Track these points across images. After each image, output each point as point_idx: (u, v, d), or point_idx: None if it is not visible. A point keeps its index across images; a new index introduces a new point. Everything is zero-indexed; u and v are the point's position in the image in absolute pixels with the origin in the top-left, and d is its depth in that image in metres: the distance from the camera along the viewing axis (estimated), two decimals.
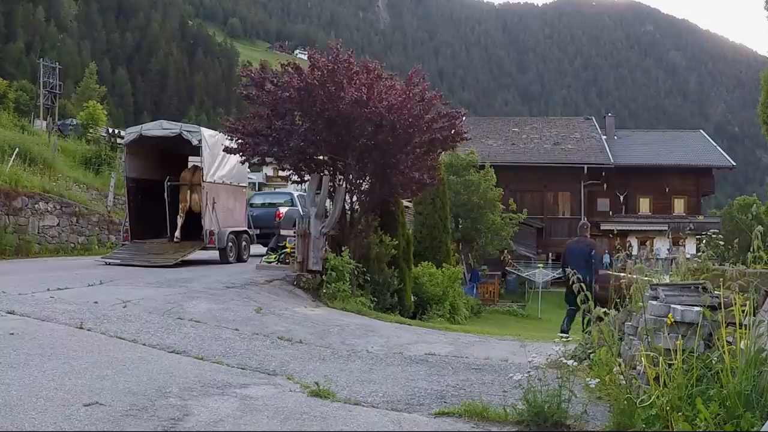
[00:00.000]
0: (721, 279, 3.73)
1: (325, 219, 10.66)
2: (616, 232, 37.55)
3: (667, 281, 4.90)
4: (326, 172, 11.33)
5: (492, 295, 26.45)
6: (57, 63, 47.69)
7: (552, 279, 26.80)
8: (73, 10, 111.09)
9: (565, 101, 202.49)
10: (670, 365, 3.25)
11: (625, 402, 3.48)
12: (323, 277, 10.13)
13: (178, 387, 4.11)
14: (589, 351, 5.17)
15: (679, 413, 3.04)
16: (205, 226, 13.00)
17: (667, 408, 3.08)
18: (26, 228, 14.17)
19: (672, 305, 3.67)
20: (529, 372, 3.80)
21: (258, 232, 15.58)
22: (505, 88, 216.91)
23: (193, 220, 13.60)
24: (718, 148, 41.06)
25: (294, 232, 11.01)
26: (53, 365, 4.37)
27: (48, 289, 7.69)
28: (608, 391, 4.04)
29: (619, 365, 4.02)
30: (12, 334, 5.13)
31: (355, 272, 10.66)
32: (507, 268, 28.41)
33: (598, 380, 3.96)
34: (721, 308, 3.40)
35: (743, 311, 3.32)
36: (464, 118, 12.57)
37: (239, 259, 14.00)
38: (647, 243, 35.52)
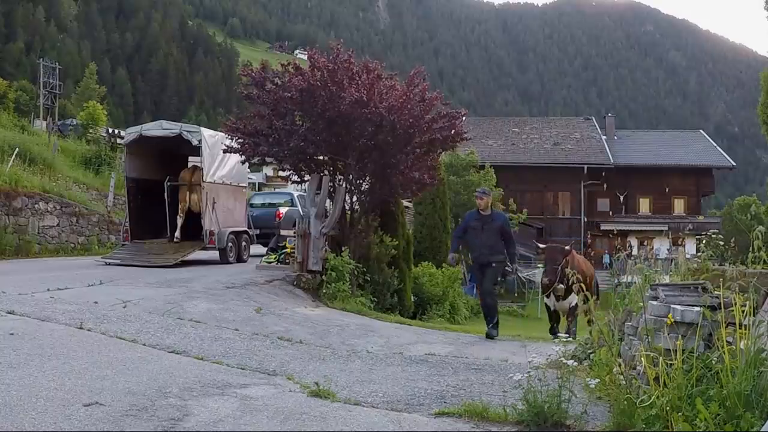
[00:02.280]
0: (721, 279, 3.73)
1: (325, 219, 10.66)
2: (616, 232, 37.59)
3: (668, 281, 4.90)
4: (326, 172, 11.32)
5: None
6: (57, 63, 47.71)
7: None
8: (73, 10, 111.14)
9: (565, 101, 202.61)
10: (670, 365, 3.25)
11: (625, 402, 3.48)
12: (323, 277, 10.12)
13: (178, 387, 4.11)
14: (589, 351, 5.17)
15: (679, 413, 3.04)
16: (205, 226, 13.00)
17: (667, 408, 3.08)
18: (26, 228, 14.17)
19: (672, 305, 3.67)
20: (529, 372, 3.80)
21: (258, 232, 15.57)
22: (505, 88, 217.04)
23: (193, 220, 13.59)
24: (718, 148, 41.10)
25: (294, 232, 11.00)
26: (53, 365, 4.37)
27: (48, 289, 7.68)
28: (608, 391, 4.04)
29: (619, 365, 4.02)
30: (12, 334, 5.12)
31: (355, 272, 10.65)
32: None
33: (598, 380, 3.95)
34: (721, 308, 3.40)
35: (743, 311, 3.32)
36: (464, 118, 12.57)
37: (239, 260, 14.00)
38: (647, 243, 35.54)
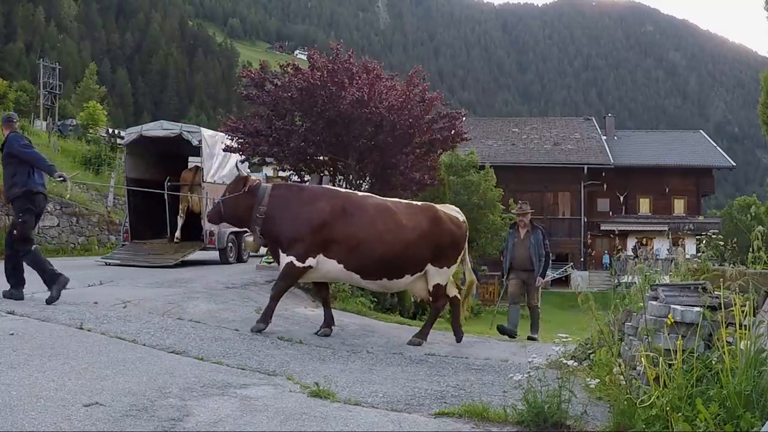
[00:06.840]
0: (721, 279, 3.74)
1: None
2: (616, 232, 37.58)
3: (668, 281, 4.90)
4: (326, 172, 11.34)
5: (492, 295, 26.45)
6: (57, 63, 47.79)
7: (552, 279, 26.82)
8: (73, 10, 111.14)
9: (565, 101, 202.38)
10: (670, 365, 3.25)
11: (625, 402, 3.48)
12: None
13: (178, 387, 4.11)
14: (589, 351, 5.17)
15: (679, 414, 3.04)
16: (205, 226, 12.98)
17: (667, 408, 3.08)
18: None
19: (672, 305, 3.67)
20: (529, 372, 3.80)
21: None
22: (505, 88, 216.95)
23: (193, 220, 13.59)
24: (718, 148, 41.12)
25: None
26: (53, 365, 4.37)
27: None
28: (608, 391, 4.04)
29: (619, 365, 4.02)
30: (12, 334, 5.12)
31: None
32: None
33: (598, 381, 3.96)
34: (721, 308, 3.40)
35: (743, 311, 3.33)
36: (464, 118, 12.59)
37: (239, 260, 14.00)
38: (647, 243, 35.57)
